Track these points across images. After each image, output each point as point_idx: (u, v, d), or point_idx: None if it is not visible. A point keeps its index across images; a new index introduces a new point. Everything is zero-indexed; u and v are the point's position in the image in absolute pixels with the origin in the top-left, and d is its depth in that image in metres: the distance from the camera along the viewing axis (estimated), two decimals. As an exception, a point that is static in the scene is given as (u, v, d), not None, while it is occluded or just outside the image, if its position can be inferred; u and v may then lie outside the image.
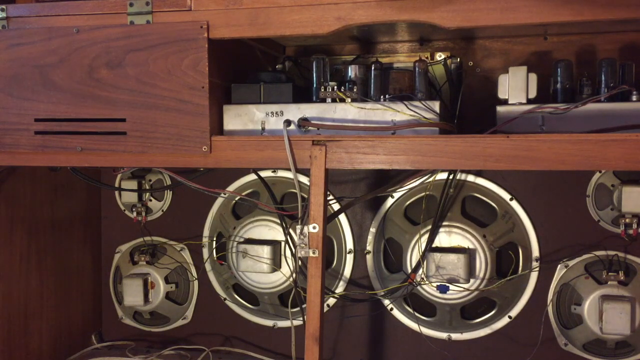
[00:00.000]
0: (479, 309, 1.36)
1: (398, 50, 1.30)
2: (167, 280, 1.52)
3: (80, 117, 1.10)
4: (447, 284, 1.29)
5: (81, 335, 1.55)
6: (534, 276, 1.31)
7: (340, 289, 1.41)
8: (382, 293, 1.38)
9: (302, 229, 1.02)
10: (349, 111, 1.06)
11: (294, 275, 1.36)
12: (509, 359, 1.33)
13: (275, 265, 1.39)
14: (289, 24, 1.00)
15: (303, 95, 1.13)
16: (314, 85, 1.14)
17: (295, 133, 1.07)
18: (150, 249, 1.52)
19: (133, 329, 1.57)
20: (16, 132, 1.12)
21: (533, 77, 1.04)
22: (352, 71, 1.14)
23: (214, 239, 1.49)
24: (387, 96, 1.08)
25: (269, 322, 1.47)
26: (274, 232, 1.43)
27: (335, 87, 1.08)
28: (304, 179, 1.24)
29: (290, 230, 1.36)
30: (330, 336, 1.43)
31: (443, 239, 1.33)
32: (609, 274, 1.24)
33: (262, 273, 1.40)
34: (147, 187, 1.52)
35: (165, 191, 1.52)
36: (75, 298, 1.52)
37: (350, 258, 1.40)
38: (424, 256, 1.30)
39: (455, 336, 1.36)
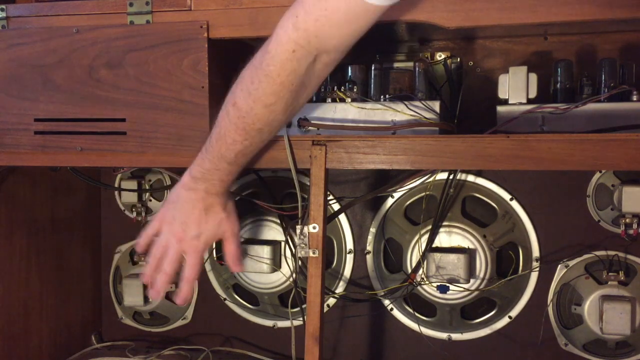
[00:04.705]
0: (479, 309, 1.36)
1: (398, 50, 1.30)
2: (167, 280, 1.52)
3: (80, 117, 1.10)
4: (447, 284, 1.29)
5: (81, 335, 1.55)
6: (534, 276, 1.31)
7: (340, 289, 1.41)
8: (382, 293, 1.38)
9: (302, 229, 1.02)
10: (349, 111, 1.06)
11: (294, 275, 1.36)
12: (509, 359, 1.33)
13: (275, 265, 1.39)
14: (289, 24, 1.00)
15: (303, 95, 1.12)
16: (314, 85, 1.14)
17: (295, 133, 1.07)
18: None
19: (133, 329, 1.57)
20: (16, 132, 1.12)
21: (533, 77, 1.04)
22: (352, 71, 1.14)
23: (214, 239, 1.49)
24: (387, 96, 1.08)
25: (269, 322, 1.47)
26: (274, 232, 1.43)
27: (335, 87, 1.08)
28: (304, 179, 1.24)
29: (290, 230, 1.36)
30: (330, 336, 1.42)
31: (443, 239, 1.33)
32: (609, 274, 1.24)
33: (262, 273, 1.40)
34: (147, 187, 1.52)
35: (165, 191, 1.52)
36: (75, 298, 1.52)
37: (350, 258, 1.40)
38: (424, 256, 1.30)
39: (455, 336, 1.36)
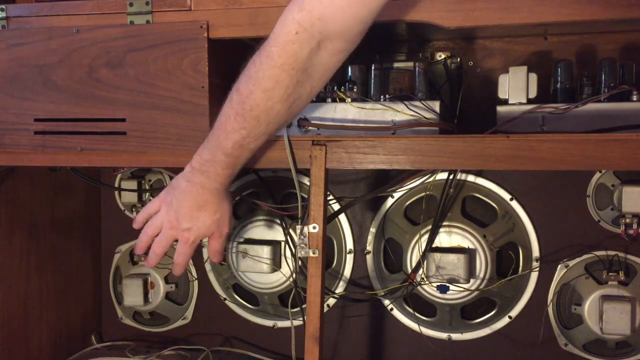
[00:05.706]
0: (479, 309, 1.36)
1: (398, 50, 1.30)
2: (167, 281, 1.52)
3: (80, 117, 1.10)
4: (447, 284, 1.29)
5: (81, 336, 1.55)
6: (534, 276, 1.31)
7: (340, 289, 1.41)
8: (382, 293, 1.38)
9: (302, 229, 1.02)
10: (349, 111, 1.06)
11: (294, 275, 1.36)
12: (509, 359, 1.33)
13: (275, 265, 1.39)
14: (289, 24, 1.00)
15: (303, 95, 1.12)
16: (314, 85, 1.13)
17: (295, 133, 1.07)
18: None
19: (133, 329, 1.57)
20: (16, 132, 1.12)
21: (533, 77, 1.04)
22: (352, 71, 1.14)
23: (214, 239, 1.49)
24: (387, 96, 1.08)
25: (269, 322, 1.47)
26: (274, 232, 1.43)
27: (335, 87, 1.08)
28: (304, 179, 1.24)
29: (290, 230, 1.36)
30: (330, 336, 1.42)
31: (443, 239, 1.33)
32: (609, 274, 1.24)
33: (262, 273, 1.40)
34: (147, 187, 1.52)
35: (165, 191, 1.52)
36: (75, 298, 1.51)
37: (350, 258, 1.40)
38: (424, 256, 1.30)
39: (456, 336, 1.36)
